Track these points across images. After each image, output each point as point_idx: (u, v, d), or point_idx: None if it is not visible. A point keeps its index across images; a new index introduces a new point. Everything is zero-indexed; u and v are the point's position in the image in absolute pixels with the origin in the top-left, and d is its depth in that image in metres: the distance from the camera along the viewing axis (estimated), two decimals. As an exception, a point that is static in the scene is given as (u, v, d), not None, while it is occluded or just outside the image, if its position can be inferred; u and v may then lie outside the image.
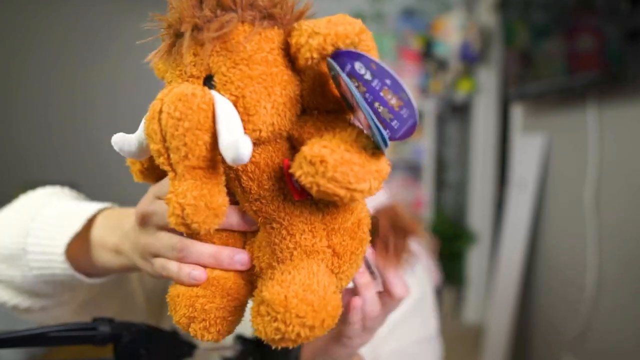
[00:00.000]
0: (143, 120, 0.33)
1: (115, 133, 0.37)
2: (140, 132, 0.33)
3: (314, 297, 0.31)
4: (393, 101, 0.32)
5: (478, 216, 2.82)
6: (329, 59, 0.31)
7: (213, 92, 0.31)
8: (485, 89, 2.74)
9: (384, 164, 0.31)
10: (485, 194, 2.81)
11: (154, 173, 0.41)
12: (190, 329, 0.35)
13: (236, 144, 0.28)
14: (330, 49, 0.31)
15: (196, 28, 0.32)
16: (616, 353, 1.41)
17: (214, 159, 0.31)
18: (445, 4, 3.11)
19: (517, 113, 2.22)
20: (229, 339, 0.55)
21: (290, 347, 0.31)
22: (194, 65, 0.33)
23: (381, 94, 0.32)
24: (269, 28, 0.33)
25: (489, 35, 2.64)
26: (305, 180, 0.29)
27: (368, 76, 0.32)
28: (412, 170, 3.01)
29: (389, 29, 3.17)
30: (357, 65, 0.31)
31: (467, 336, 2.60)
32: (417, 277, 0.73)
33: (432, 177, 2.95)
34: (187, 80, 0.33)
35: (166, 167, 0.31)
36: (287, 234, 0.35)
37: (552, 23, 1.68)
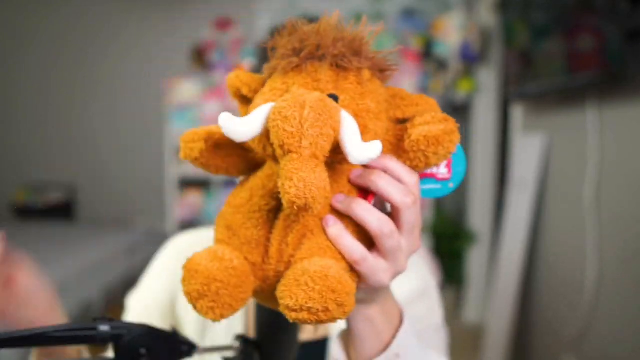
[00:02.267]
0: (262, 110, 0.38)
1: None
2: (262, 118, 0.37)
3: (343, 279, 0.37)
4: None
5: (478, 216, 2.82)
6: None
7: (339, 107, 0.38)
8: (485, 89, 2.75)
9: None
10: (485, 194, 2.81)
11: (209, 158, 0.44)
12: (197, 304, 0.38)
13: (366, 146, 0.36)
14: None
15: (333, 57, 0.41)
16: (616, 353, 1.41)
17: (327, 155, 0.37)
18: (445, 4, 3.11)
19: (517, 113, 2.22)
20: (229, 339, 0.55)
21: (310, 322, 0.36)
22: (327, 83, 0.41)
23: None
24: (380, 79, 0.44)
25: (489, 35, 2.64)
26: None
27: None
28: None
29: (389, 29, 3.17)
30: None
31: (467, 336, 2.60)
32: (419, 271, 0.73)
33: (432, 177, 2.94)
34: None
35: (293, 148, 0.35)
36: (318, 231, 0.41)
37: (552, 23, 1.68)
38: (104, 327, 0.44)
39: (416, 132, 0.41)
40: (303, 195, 0.34)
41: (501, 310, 1.99)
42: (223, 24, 3.26)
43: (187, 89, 3.10)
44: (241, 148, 0.44)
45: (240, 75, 0.45)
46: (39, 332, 0.42)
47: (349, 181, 0.42)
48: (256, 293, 0.43)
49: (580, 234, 1.59)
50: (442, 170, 0.46)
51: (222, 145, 0.44)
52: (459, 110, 3.15)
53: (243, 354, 0.51)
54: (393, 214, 0.42)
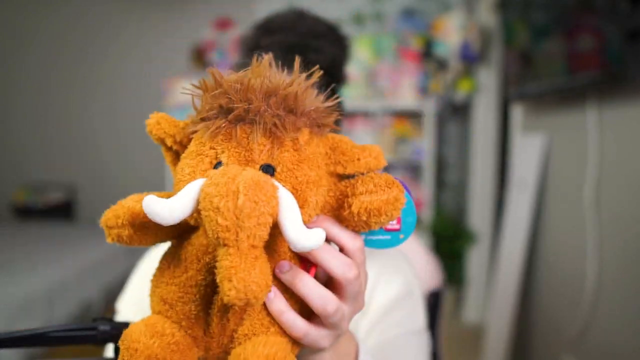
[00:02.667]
0: (190, 191, 0.35)
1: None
2: (190, 201, 0.35)
3: None
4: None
5: (478, 216, 2.82)
6: None
7: (276, 183, 0.35)
8: (485, 89, 2.75)
9: None
10: (485, 194, 2.81)
11: (141, 238, 0.41)
12: None
13: (308, 235, 0.34)
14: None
15: (266, 123, 0.37)
16: (616, 353, 1.41)
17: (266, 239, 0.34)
18: (445, 4, 3.11)
19: (517, 113, 2.22)
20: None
21: None
22: (260, 153, 0.37)
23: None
24: (319, 135, 0.41)
25: (489, 35, 2.64)
26: None
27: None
28: (412, 170, 3.01)
29: (389, 29, 3.17)
30: None
31: (467, 336, 2.60)
32: (405, 275, 0.73)
33: (432, 177, 2.95)
34: (247, 164, 0.38)
35: (229, 242, 0.32)
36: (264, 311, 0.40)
37: (552, 23, 1.68)
38: (104, 327, 0.44)
39: (357, 203, 0.39)
40: (244, 297, 0.32)
41: (501, 310, 1.99)
42: (223, 24, 3.26)
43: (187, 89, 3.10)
44: None
45: (162, 123, 0.42)
46: (39, 332, 0.42)
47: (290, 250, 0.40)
48: None
49: (580, 234, 1.59)
50: (391, 222, 0.44)
51: (150, 222, 0.38)
52: (459, 110, 3.15)
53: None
54: (336, 286, 0.40)
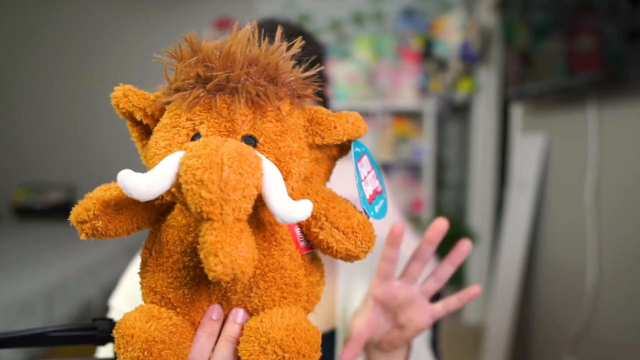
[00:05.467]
0: (169, 165, 0.33)
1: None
2: (169, 174, 0.33)
3: (309, 335, 0.36)
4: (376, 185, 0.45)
5: (478, 216, 2.82)
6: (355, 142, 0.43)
7: (259, 154, 0.34)
8: (485, 89, 2.74)
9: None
10: (485, 194, 2.81)
11: (116, 227, 0.39)
12: None
13: (295, 206, 0.33)
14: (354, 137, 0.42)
15: (248, 92, 0.36)
16: (616, 353, 1.41)
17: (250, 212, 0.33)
18: (445, 4, 3.11)
19: (517, 113, 2.22)
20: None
21: None
22: (242, 124, 0.36)
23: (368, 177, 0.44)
24: (298, 106, 0.40)
25: (489, 35, 2.64)
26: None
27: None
28: (412, 170, 3.01)
29: (389, 29, 3.17)
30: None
31: (467, 336, 2.60)
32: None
33: (432, 177, 2.95)
34: (228, 135, 0.36)
35: (214, 216, 0.31)
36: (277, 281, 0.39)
37: (552, 23, 1.68)
38: (104, 327, 0.44)
39: (327, 233, 0.39)
40: (231, 272, 0.30)
41: (501, 310, 1.99)
42: (223, 24, 3.26)
43: (187, 89, 3.10)
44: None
45: (130, 96, 0.40)
46: (39, 332, 0.42)
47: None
48: None
49: (580, 234, 1.59)
50: (379, 183, 0.45)
51: (122, 210, 0.38)
52: (459, 110, 3.15)
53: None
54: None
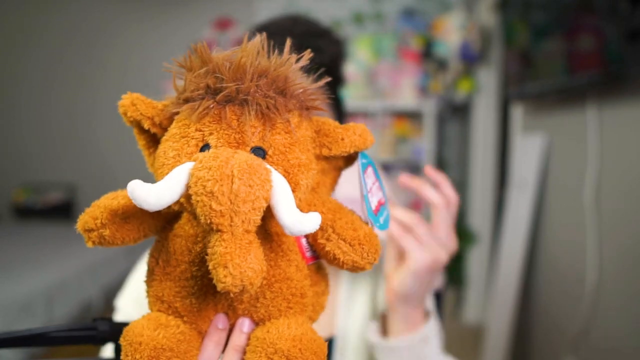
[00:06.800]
0: (179, 176, 0.33)
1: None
2: (178, 185, 0.33)
3: (315, 346, 0.36)
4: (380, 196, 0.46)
5: (478, 216, 2.82)
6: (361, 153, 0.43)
7: (268, 166, 0.34)
8: (485, 89, 2.74)
9: None
10: (485, 194, 2.81)
11: (123, 235, 0.39)
12: None
13: (303, 218, 0.33)
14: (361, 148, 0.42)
15: (258, 104, 0.36)
16: (617, 353, 1.41)
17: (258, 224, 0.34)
18: (445, 4, 3.11)
19: (517, 113, 2.22)
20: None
21: None
22: (251, 135, 0.36)
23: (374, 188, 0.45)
24: (307, 118, 0.40)
25: (489, 35, 2.64)
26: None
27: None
28: (412, 170, 3.01)
29: (389, 29, 3.17)
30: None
31: (467, 336, 2.60)
32: None
33: (432, 177, 2.94)
34: (237, 147, 0.36)
35: (223, 227, 0.31)
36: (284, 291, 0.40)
37: (552, 23, 1.68)
38: (104, 327, 0.44)
39: (334, 244, 0.40)
40: (240, 283, 0.31)
41: (501, 310, 1.99)
42: (223, 24, 3.26)
43: (187, 89, 3.09)
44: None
45: (137, 104, 0.40)
46: (38, 332, 0.42)
47: None
48: None
49: (580, 234, 1.59)
50: (382, 194, 0.46)
51: (130, 219, 0.38)
52: (459, 110, 3.15)
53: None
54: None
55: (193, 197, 0.32)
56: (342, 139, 0.41)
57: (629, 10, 1.25)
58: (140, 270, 0.78)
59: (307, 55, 0.40)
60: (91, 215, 0.38)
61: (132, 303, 0.74)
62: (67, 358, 0.52)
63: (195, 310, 0.38)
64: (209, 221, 0.31)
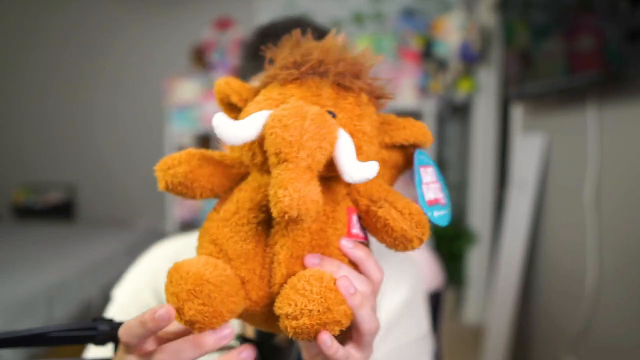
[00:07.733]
0: (260, 116, 0.37)
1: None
2: (258, 124, 0.37)
3: (339, 295, 0.37)
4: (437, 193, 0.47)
5: (478, 216, 2.82)
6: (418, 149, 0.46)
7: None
8: (485, 89, 2.74)
9: None
10: (485, 194, 2.81)
11: (193, 179, 0.41)
12: (185, 305, 0.35)
13: (363, 165, 0.36)
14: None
15: (336, 76, 0.41)
16: (617, 353, 1.41)
17: (321, 169, 0.36)
18: (445, 4, 3.11)
19: (517, 113, 2.22)
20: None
21: (311, 331, 0.36)
22: (327, 99, 0.40)
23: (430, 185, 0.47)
24: (372, 104, 0.44)
25: (489, 35, 2.64)
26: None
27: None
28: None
29: (389, 29, 3.17)
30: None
31: (467, 336, 2.60)
32: (409, 280, 0.73)
33: (432, 177, 2.94)
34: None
35: (289, 157, 0.34)
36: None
37: (552, 23, 1.68)
38: (104, 327, 0.44)
39: (386, 211, 0.41)
40: (296, 206, 0.32)
41: (501, 310, 1.99)
42: (223, 24, 3.26)
43: (187, 89, 3.10)
44: (224, 165, 0.43)
45: (230, 82, 0.44)
46: (39, 332, 0.42)
47: None
48: (246, 313, 0.41)
49: (580, 234, 1.59)
50: (443, 197, 0.47)
51: (204, 165, 0.42)
52: (459, 110, 3.15)
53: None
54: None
55: (267, 131, 0.35)
56: (404, 128, 0.44)
57: (629, 10, 1.25)
58: (140, 264, 0.79)
59: (379, 58, 0.45)
60: (170, 156, 0.42)
61: (129, 295, 0.74)
62: (67, 358, 0.52)
63: (243, 256, 0.40)
64: (278, 150, 0.34)
